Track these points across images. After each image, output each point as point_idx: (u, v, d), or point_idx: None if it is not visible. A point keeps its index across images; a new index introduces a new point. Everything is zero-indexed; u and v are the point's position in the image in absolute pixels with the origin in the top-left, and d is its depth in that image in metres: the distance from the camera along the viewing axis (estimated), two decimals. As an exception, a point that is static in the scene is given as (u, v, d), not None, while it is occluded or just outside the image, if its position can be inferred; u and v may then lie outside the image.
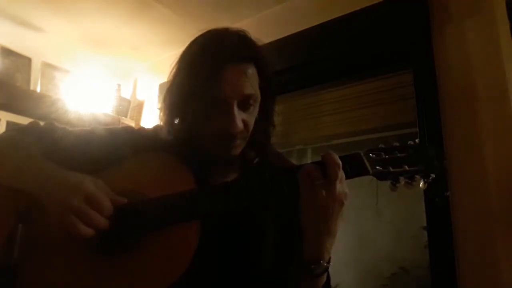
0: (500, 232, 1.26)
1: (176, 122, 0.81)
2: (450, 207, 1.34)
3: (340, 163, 0.69)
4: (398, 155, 0.74)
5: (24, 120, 2.16)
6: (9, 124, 2.18)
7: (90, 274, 0.70)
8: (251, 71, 0.77)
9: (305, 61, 1.88)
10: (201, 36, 0.81)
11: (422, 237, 1.52)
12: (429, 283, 1.38)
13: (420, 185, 0.73)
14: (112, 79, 2.82)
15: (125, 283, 0.69)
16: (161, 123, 0.85)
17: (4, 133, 0.94)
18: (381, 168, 0.72)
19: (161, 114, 0.84)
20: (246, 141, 0.80)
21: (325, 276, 0.74)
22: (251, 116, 0.79)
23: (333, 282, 0.82)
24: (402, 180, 0.73)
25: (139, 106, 2.80)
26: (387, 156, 0.74)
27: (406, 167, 0.72)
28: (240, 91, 0.74)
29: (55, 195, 0.68)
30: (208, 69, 0.73)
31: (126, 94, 2.89)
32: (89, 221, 0.66)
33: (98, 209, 0.67)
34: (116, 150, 0.82)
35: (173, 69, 0.82)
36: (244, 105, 0.76)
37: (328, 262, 0.72)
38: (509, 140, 1.30)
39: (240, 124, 0.74)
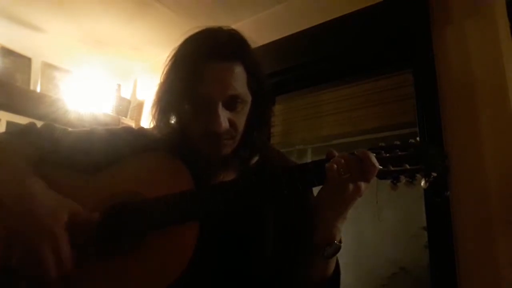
0: (500, 232, 1.26)
1: (164, 122, 0.81)
2: (450, 207, 1.34)
3: (378, 167, 0.69)
4: (399, 153, 0.73)
5: (24, 120, 2.17)
6: (9, 124, 2.19)
7: (90, 275, 0.70)
8: (238, 69, 0.76)
9: (305, 61, 1.88)
10: (188, 37, 0.80)
11: (422, 237, 1.52)
12: (429, 283, 1.38)
13: (422, 184, 0.72)
14: (112, 79, 2.82)
15: (124, 284, 0.69)
16: (152, 123, 0.85)
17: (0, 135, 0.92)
18: (381, 167, 0.71)
19: (152, 113, 0.83)
20: (235, 141, 0.79)
21: (335, 259, 0.76)
22: (239, 116, 0.77)
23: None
24: (402, 179, 0.72)
25: (139, 106, 2.81)
26: (387, 155, 0.73)
27: (407, 166, 0.72)
28: (225, 91, 0.73)
29: (26, 218, 0.65)
30: (192, 67, 0.73)
31: (126, 94, 2.89)
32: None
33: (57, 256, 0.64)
34: (116, 150, 0.82)
35: (163, 71, 0.82)
36: (230, 104, 0.75)
37: (340, 242, 0.74)
38: (509, 139, 1.29)
39: (225, 123, 0.73)
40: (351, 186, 0.69)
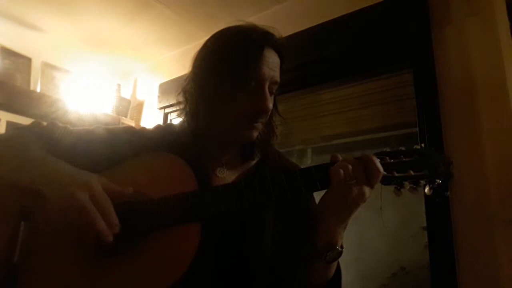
0: (500, 232, 1.26)
1: (203, 108, 0.81)
2: (450, 207, 1.35)
3: (383, 172, 0.70)
4: (404, 159, 0.73)
5: (24, 120, 2.16)
6: (9, 124, 2.18)
7: (91, 274, 0.70)
8: (279, 61, 0.81)
9: (305, 61, 1.88)
10: (233, 26, 0.83)
11: (422, 237, 1.52)
12: (429, 283, 1.38)
13: (426, 191, 0.72)
14: (112, 79, 2.82)
15: (126, 284, 0.69)
16: (181, 115, 0.86)
17: (6, 132, 0.94)
18: (385, 173, 0.71)
19: (184, 104, 0.85)
20: (262, 127, 0.82)
21: (335, 266, 0.77)
22: (271, 102, 0.81)
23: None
24: (407, 185, 0.72)
25: (139, 106, 2.81)
26: (392, 161, 0.73)
27: (411, 172, 0.72)
28: (272, 76, 0.78)
29: (59, 192, 0.67)
30: (251, 49, 0.76)
31: (126, 94, 2.89)
32: (90, 221, 0.64)
33: (100, 210, 0.66)
34: (117, 150, 0.82)
35: (197, 58, 0.84)
36: (271, 90, 0.79)
37: (342, 247, 0.74)
38: (509, 140, 1.30)
39: (270, 105, 0.78)
40: (355, 192, 0.69)
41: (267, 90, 0.77)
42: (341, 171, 0.69)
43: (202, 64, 0.82)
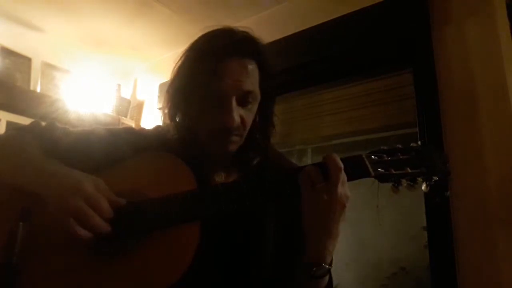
0: (500, 232, 1.26)
1: (177, 118, 0.81)
2: (450, 207, 1.35)
3: (342, 166, 0.68)
4: (401, 157, 0.73)
5: (24, 120, 2.16)
6: (9, 124, 2.18)
7: (90, 274, 0.70)
8: (252, 67, 0.77)
9: (305, 61, 1.88)
10: (205, 33, 0.82)
11: (422, 237, 1.53)
12: (429, 283, 1.38)
13: (423, 188, 0.72)
14: (112, 79, 2.82)
15: (125, 284, 0.69)
16: (163, 123, 0.85)
17: (5, 132, 0.94)
18: (383, 171, 0.71)
19: (163, 112, 0.84)
20: (242, 139, 0.80)
21: (327, 277, 0.74)
22: (249, 113, 0.79)
23: (333, 282, 0.82)
24: (404, 182, 0.72)
25: (139, 106, 2.81)
26: (389, 158, 0.73)
27: (409, 170, 0.72)
28: (240, 87, 0.75)
29: (55, 194, 0.68)
30: (211, 62, 0.74)
31: (126, 94, 2.89)
32: (87, 223, 0.65)
33: (97, 210, 0.67)
34: (117, 151, 0.82)
35: (175, 66, 0.83)
36: (243, 101, 0.76)
37: (330, 265, 0.72)
38: (509, 140, 1.30)
39: (237, 119, 0.75)
40: (327, 196, 0.67)
41: (232, 103, 0.74)
42: (307, 175, 0.68)
43: (175, 74, 0.82)
